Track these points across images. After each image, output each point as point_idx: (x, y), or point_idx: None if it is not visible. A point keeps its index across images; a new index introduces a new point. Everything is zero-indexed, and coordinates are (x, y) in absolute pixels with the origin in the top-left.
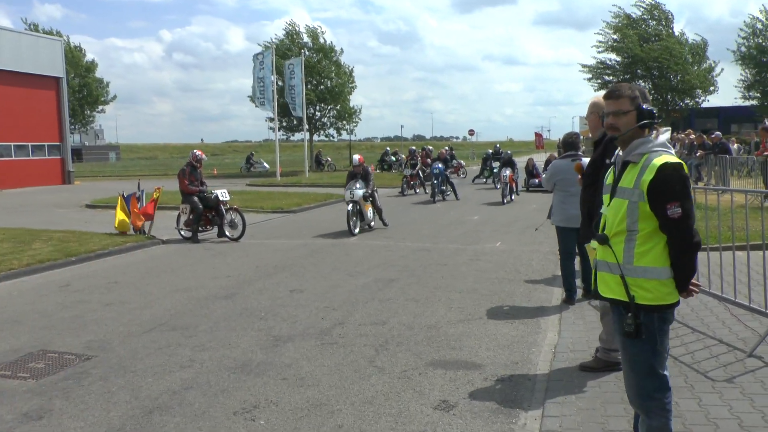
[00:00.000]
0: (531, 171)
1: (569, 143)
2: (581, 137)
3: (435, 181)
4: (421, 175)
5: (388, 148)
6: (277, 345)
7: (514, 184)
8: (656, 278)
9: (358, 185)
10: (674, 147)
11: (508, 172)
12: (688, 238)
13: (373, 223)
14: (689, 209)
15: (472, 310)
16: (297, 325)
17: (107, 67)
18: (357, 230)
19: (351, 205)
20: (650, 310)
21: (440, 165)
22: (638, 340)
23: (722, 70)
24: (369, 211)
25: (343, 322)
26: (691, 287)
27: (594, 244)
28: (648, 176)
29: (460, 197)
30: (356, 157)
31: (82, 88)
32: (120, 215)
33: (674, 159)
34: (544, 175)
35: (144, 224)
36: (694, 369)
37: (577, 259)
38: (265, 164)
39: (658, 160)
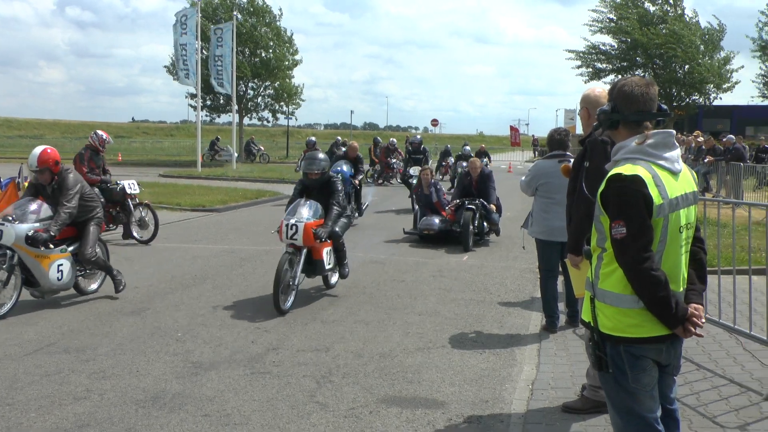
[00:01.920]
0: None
1: (557, 141)
2: (570, 134)
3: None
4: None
5: (339, 138)
6: (196, 373)
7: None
8: (615, 305)
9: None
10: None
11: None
12: (630, 264)
13: (333, 279)
14: (637, 231)
15: (434, 336)
16: (222, 349)
17: None
18: (288, 304)
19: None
20: (615, 342)
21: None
22: (608, 375)
23: (742, 66)
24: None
25: (278, 348)
26: (687, 324)
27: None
28: (601, 187)
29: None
30: (312, 139)
31: None
32: None
33: (634, 171)
34: (523, 177)
35: None
36: (699, 413)
37: (561, 280)
38: (234, 151)
39: (615, 170)
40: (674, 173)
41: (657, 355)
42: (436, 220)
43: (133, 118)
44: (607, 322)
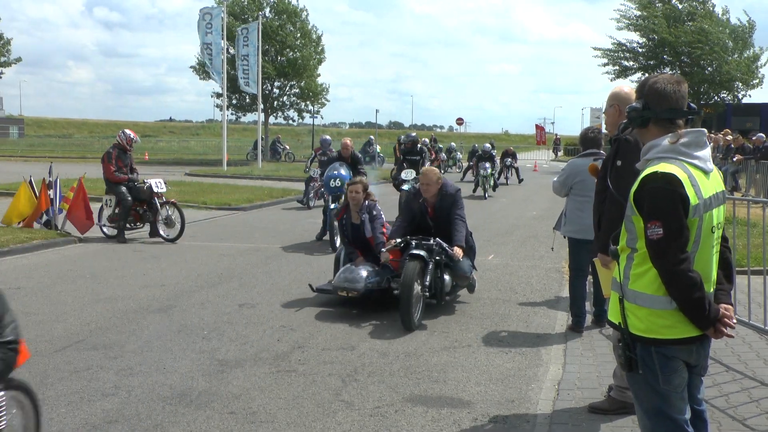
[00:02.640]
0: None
1: (590, 139)
2: (602, 133)
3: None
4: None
5: (372, 137)
6: (223, 371)
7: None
8: (647, 306)
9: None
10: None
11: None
12: (667, 265)
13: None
14: (674, 232)
15: (459, 335)
16: (247, 347)
17: (7, 21)
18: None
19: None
20: (647, 343)
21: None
22: (638, 376)
23: None
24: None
25: (304, 346)
26: (718, 325)
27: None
28: (635, 187)
29: None
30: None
31: None
32: (21, 205)
33: (668, 169)
34: (555, 178)
35: (56, 217)
36: (729, 415)
37: (589, 280)
38: (289, 150)
39: (649, 169)
40: (706, 172)
41: (687, 356)
42: (363, 273)
43: (171, 118)
44: (639, 324)
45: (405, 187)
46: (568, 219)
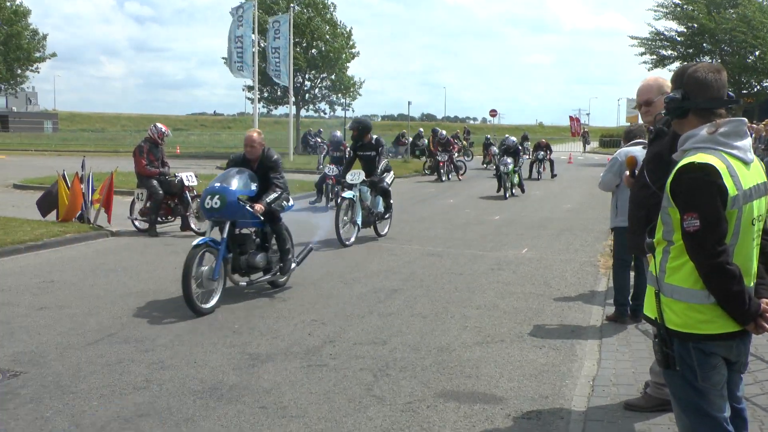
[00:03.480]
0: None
1: (633, 134)
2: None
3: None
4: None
5: (422, 129)
6: (254, 365)
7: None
8: (684, 301)
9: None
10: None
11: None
12: (704, 258)
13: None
14: (711, 223)
15: (492, 330)
16: (278, 341)
17: (42, 17)
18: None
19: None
20: (684, 339)
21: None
22: (675, 373)
23: None
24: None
25: (335, 340)
26: (759, 320)
27: None
28: (671, 178)
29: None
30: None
31: (9, 40)
32: (61, 199)
33: (706, 160)
34: (603, 173)
35: (88, 211)
36: None
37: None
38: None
39: (686, 159)
40: (746, 163)
41: (727, 352)
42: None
43: (215, 111)
44: (676, 319)
45: (347, 194)
46: (619, 210)
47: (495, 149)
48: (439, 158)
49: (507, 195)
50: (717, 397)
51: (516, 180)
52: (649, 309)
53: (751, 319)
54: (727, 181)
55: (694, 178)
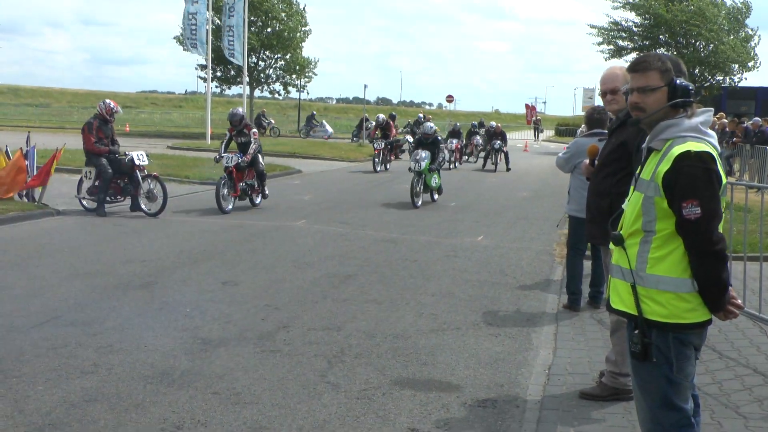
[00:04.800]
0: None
1: (596, 120)
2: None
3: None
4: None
5: (422, 115)
6: (205, 350)
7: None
8: (672, 291)
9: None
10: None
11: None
12: (705, 245)
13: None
14: (712, 210)
15: (448, 318)
16: (231, 326)
17: None
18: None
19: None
20: (664, 329)
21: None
22: (649, 364)
23: (759, 38)
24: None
25: (289, 326)
26: (729, 307)
27: (611, 244)
28: (664, 166)
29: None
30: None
31: None
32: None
33: (701, 147)
34: (560, 153)
35: (32, 189)
36: (722, 403)
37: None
38: (329, 128)
39: (679, 148)
40: (719, 153)
41: (699, 341)
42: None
43: (191, 92)
44: (660, 309)
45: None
46: (571, 197)
47: (479, 139)
48: (375, 146)
49: (416, 202)
50: (686, 389)
51: (434, 182)
52: (619, 302)
53: (724, 306)
54: (720, 169)
55: (693, 166)
